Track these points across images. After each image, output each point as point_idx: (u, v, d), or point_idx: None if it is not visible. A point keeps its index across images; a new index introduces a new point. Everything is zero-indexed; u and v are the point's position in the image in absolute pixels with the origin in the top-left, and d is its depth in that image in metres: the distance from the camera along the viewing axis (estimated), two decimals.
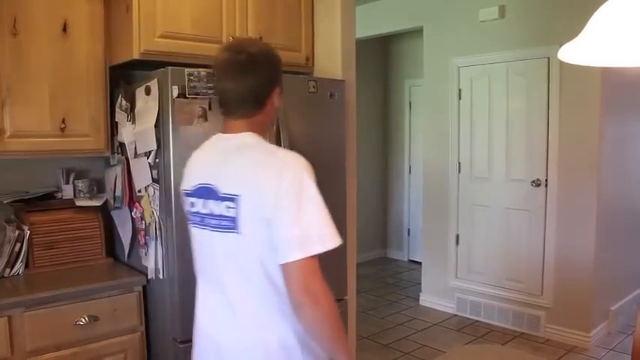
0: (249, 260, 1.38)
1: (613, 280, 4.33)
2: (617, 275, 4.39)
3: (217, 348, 1.47)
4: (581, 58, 1.27)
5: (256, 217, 1.34)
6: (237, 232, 1.37)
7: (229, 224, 1.37)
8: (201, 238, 1.49)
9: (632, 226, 4.63)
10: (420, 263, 5.45)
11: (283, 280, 1.33)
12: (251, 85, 1.42)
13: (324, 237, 1.32)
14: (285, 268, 1.31)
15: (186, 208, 1.53)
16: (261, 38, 2.70)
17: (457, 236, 4.88)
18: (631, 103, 4.48)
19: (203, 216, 1.44)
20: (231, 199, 1.36)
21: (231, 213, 1.36)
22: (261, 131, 1.48)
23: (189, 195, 1.51)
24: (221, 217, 1.39)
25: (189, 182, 1.51)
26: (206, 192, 1.42)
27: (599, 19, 1.12)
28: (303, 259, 1.29)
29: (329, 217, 1.35)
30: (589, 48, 1.21)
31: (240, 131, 1.45)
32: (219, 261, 1.44)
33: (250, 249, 1.37)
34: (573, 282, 4.11)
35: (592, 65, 1.31)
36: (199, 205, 1.45)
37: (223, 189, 1.38)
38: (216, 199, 1.40)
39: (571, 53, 1.23)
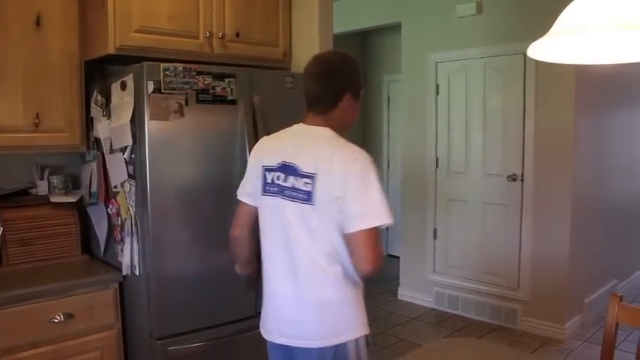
0: (318, 226, 1.71)
1: (587, 273, 4.41)
2: (590, 268, 4.47)
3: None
4: (550, 55, 1.28)
5: (329, 196, 1.68)
6: (311, 204, 1.70)
7: (305, 197, 1.71)
8: (274, 205, 1.78)
9: (605, 219, 4.71)
10: (398, 258, 5.48)
11: (347, 244, 1.69)
12: (324, 88, 1.77)
13: (382, 215, 1.66)
14: (350, 236, 1.67)
15: (264, 180, 1.82)
16: (238, 34, 2.70)
17: (435, 231, 4.92)
18: (605, 99, 4.56)
19: (283, 188, 1.76)
20: (309, 176, 1.70)
21: (308, 188, 1.70)
22: (337, 128, 1.79)
23: (272, 170, 1.79)
24: (298, 190, 1.72)
25: (271, 160, 1.80)
26: (288, 169, 1.75)
27: (567, 17, 1.14)
28: (365, 229, 1.64)
29: (386, 201, 1.68)
30: (557, 45, 1.22)
31: (320, 125, 1.77)
32: (291, 224, 1.74)
33: (322, 218, 1.70)
34: (549, 275, 4.17)
35: (559, 62, 1.33)
36: (281, 179, 1.76)
37: (303, 168, 1.71)
38: (296, 176, 1.73)
39: (540, 50, 1.24)
